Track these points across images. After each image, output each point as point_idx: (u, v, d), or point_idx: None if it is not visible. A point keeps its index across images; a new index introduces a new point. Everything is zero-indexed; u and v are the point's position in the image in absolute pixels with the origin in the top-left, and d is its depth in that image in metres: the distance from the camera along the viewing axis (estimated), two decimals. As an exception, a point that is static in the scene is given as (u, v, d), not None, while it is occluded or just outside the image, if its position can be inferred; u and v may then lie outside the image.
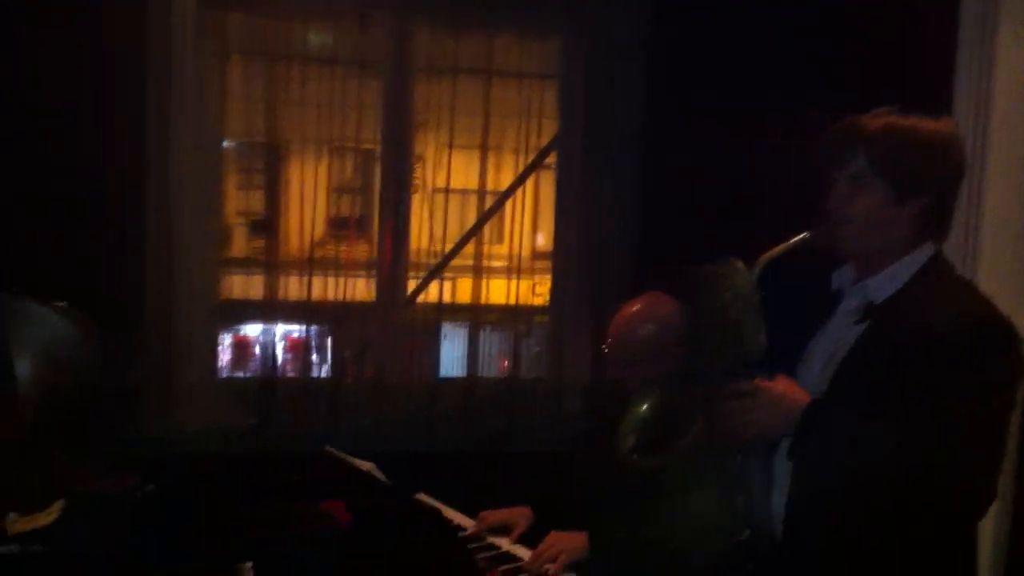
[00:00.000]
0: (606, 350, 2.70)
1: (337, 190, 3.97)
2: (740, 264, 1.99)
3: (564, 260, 4.09)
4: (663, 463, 2.09)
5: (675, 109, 3.82)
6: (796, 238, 2.02)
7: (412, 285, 4.01)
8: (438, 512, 2.63)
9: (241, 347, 4.00)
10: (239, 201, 3.99)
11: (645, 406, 2.05)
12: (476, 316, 4.02)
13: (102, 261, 3.33)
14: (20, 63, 3.28)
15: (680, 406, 2.06)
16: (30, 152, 3.22)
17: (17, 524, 2.40)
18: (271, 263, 3.80)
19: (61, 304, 2.80)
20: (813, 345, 2.10)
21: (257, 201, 3.97)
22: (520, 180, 4.05)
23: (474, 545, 2.68)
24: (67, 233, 3.28)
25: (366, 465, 2.66)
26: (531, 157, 4.04)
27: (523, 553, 2.62)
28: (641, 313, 2.69)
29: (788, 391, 1.96)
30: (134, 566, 2.35)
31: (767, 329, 2.00)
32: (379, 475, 2.65)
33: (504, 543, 2.70)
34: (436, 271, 3.99)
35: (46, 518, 2.42)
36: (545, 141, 4.07)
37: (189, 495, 2.71)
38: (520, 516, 2.79)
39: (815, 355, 2.08)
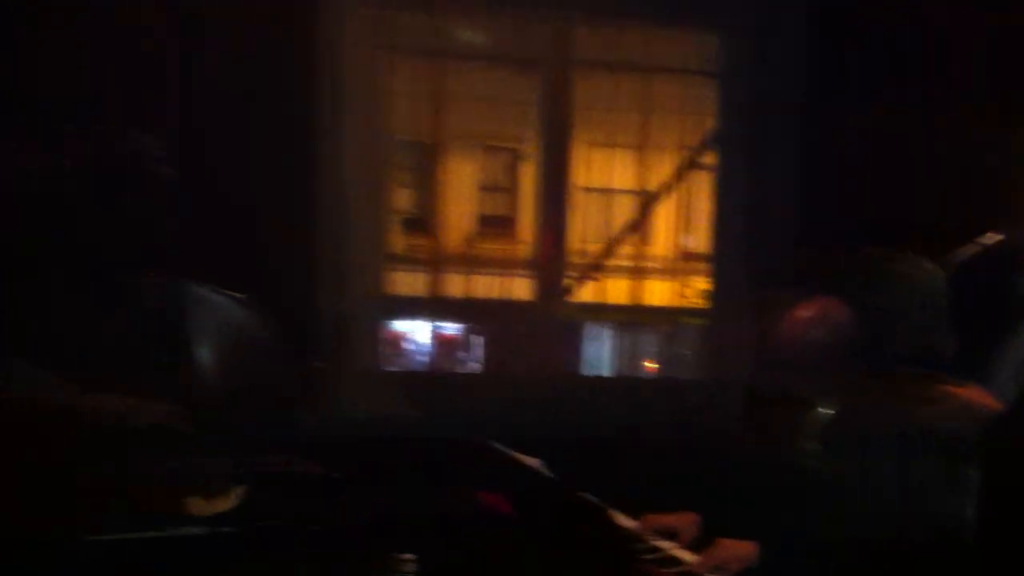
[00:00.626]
0: (775, 352, 2.66)
1: (486, 188, 4.01)
2: (929, 264, 1.93)
3: (723, 260, 4.04)
4: (847, 466, 2.05)
5: (837, 105, 3.73)
6: (990, 239, 1.95)
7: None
8: (603, 511, 2.62)
9: (397, 341, 4.09)
10: (398, 198, 4.07)
11: (829, 408, 2.00)
12: (625, 316, 4.01)
13: (275, 254, 3.44)
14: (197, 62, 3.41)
15: (864, 408, 2.02)
16: (207, 149, 3.34)
17: (199, 507, 2.50)
18: (423, 259, 3.87)
19: (239, 295, 2.91)
20: (1005, 351, 2.03)
21: (411, 198, 4.05)
22: (675, 179, 4.01)
23: (638, 546, 2.66)
24: (243, 227, 3.39)
25: (532, 461, 2.68)
26: (685, 156, 4.01)
27: (682, 554, 2.59)
28: (810, 316, 2.64)
29: (977, 397, 1.90)
30: (313, 549, 2.43)
31: (955, 332, 1.94)
32: (544, 471, 2.67)
33: (669, 547, 2.67)
34: (588, 271, 4.00)
35: (227, 502, 2.52)
36: (700, 139, 4.03)
37: (363, 481, 2.78)
38: (687, 521, 2.75)
39: (1007, 361, 2.01)
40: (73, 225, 2.73)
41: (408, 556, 2.44)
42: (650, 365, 4.08)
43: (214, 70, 3.41)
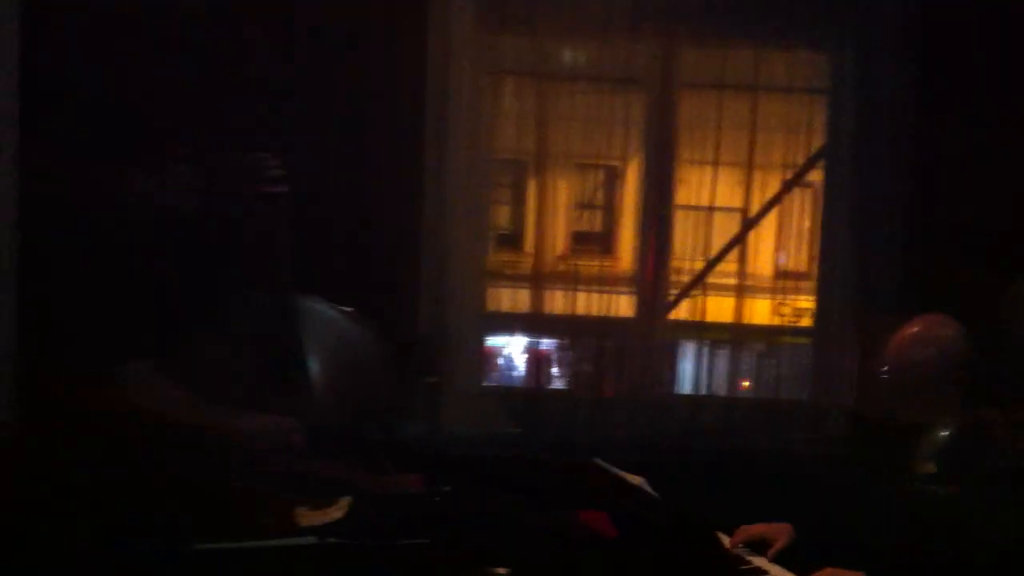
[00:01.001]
0: (884, 374, 2.63)
1: (588, 205, 4.02)
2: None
3: (828, 279, 3.98)
4: (962, 491, 2.01)
5: (949, 123, 3.67)
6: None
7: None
8: (708, 530, 2.61)
9: (494, 357, 4.12)
10: (498, 216, 4.11)
11: (944, 431, 1.97)
12: (726, 335, 3.99)
13: (381, 270, 3.50)
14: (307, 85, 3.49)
15: (979, 433, 1.97)
16: (318, 166, 3.42)
17: (307, 517, 2.55)
18: (521, 276, 3.90)
19: (348, 309, 2.97)
20: None
21: (509, 216, 4.09)
22: (776, 199, 3.98)
23: (741, 567, 2.64)
24: (348, 242, 3.46)
25: (636, 479, 2.67)
26: (789, 174, 3.97)
27: (781, 574, 2.56)
28: (922, 335, 2.60)
29: None
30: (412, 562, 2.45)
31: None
32: (648, 489, 2.66)
33: (759, 561, 2.65)
34: (688, 289, 3.98)
35: (336, 512, 2.56)
36: (805, 158, 3.99)
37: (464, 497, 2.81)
38: (780, 532, 2.72)
39: None
40: (193, 243, 2.82)
41: (503, 571, 2.46)
42: (749, 384, 4.04)
43: (325, 90, 3.50)
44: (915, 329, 2.63)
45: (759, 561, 2.65)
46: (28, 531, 2.36)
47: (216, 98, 3.06)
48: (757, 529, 2.74)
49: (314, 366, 2.79)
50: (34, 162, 3.03)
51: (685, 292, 3.99)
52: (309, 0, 3.52)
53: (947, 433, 2.00)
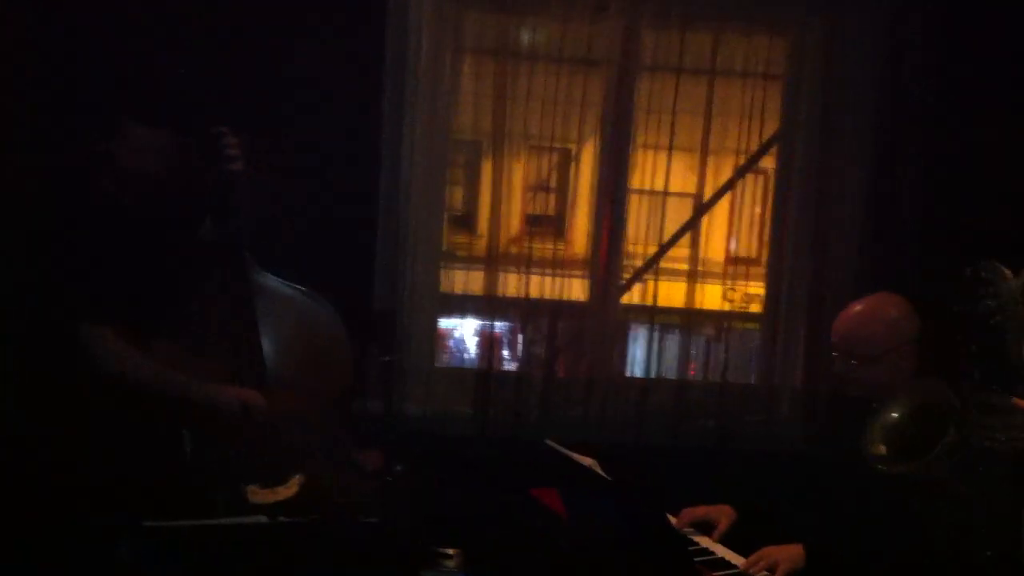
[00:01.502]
0: (834, 352, 2.65)
1: (542, 188, 4.02)
2: (1007, 271, 1.92)
3: (778, 265, 4.03)
4: (912, 472, 2.04)
5: (905, 108, 3.73)
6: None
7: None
8: (658, 510, 2.63)
9: (445, 338, 4.12)
10: (454, 197, 4.10)
11: (895, 412, 2.00)
12: (677, 319, 4.01)
13: (336, 248, 3.48)
14: (265, 62, 3.46)
15: (932, 414, 2.00)
16: (274, 143, 3.38)
17: (258, 495, 2.54)
18: (475, 257, 3.91)
19: (303, 288, 2.96)
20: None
21: (464, 197, 4.07)
22: (729, 184, 4.01)
23: (688, 547, 2.67)
24: (304, 221, 3.43)
25: (587, 460, 2.69)
26: (742, 160, 4.00)
27: (727, 554, 2.60)
28: (868, 311, 2.62)
29: None
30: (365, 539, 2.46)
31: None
32: (599, 471, 2.68)
33: (705, 541, 2.69)
34: (641, 273, 4.00)
35: (287, 491, 2.55)
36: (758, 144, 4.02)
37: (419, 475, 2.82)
38: (721, 513, 2.76)
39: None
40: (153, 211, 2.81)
41: (453, 550, 2.47)
42: (699, 367, 4.07)
43: (282, 66, 3.47)
44: (861, 306, 2.65)
45: (705, 542, 2.70)
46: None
47: (186, 77, 3.02)
48: (701, 511, 2.79)
49: (271, 343, 2.78)
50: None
51: (637, 276, 4.01)
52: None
53: (897, 413, 2.03)
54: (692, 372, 4.04)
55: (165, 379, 2.69)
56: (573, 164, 4.14)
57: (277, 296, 2.90)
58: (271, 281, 2.92)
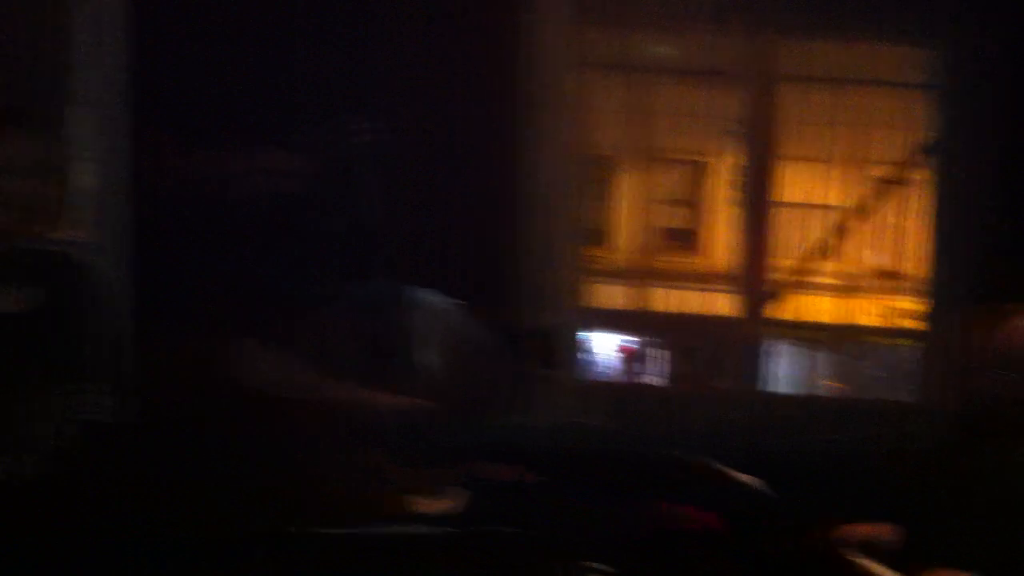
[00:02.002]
0: (992, 370, 2.56)
1: (681, 202, 3.99)
2: None
3: (930, 278, 3.91)
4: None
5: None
6: None
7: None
8: (819, 528, 2.57)
9: (586, 352, 4.11)
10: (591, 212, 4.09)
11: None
12: (824, 334, 3.93)
13: (479, 262, 3.49)
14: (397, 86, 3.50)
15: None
16: (419, 163, 3.42)
17: (421, 505, 2.55)
18: (615, 272, 3.88)
19: (449, 301, 2.98)
20: None
21: (597, 212, 4.06)
22: (875, 195, 3.92)
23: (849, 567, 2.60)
24: (447, 235, 3.45)
25: (749, 479, 2.65)
26: (884, 171, 3.91)
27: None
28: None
29: None
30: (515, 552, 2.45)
31: None
32: (761, 488, 2.63)
33: (868, 562, 2.61)
34: (785, 287, 3.94)
35: (446, 502, 2.56)
36: (902, 155, 3.92)
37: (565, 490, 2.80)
38: (883, 532, 2.69)
39: None
40: (305, 226, 2.85)
41: (605, 568, 2.45)
42: (849, 384, 3.98)
43: (416, 84, 3.50)
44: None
45: (866, 561, 2.62)
46: (137, 512, 2.39)
47: (314, 91, 3.06)
48: (862, 530, 2.71)
49: (426, 354, 2.80)
50: (147, 145, 3.06)
51: (781, 289, 3.94)
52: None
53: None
54: (839, 388, 3.95)
55: (320, 388, 2.72)
56: (707, 176, 4.11)
57: (426, 308, 2.93)
58: (420, 294, 2.95)
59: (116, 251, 2.80)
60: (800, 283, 3.94)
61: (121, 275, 2.45)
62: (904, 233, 3.98)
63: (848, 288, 3.92)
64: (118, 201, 2.87)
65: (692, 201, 4.12)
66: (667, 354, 3.96)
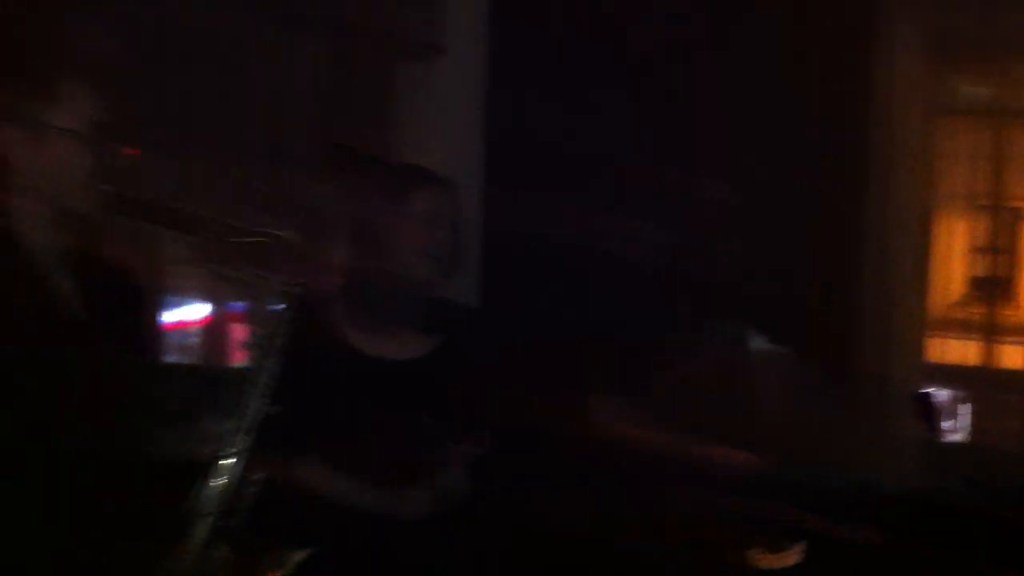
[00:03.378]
0: None
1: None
2: None
3: None
4: None
5: None
6: None
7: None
8: None
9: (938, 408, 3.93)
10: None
11: None
12: None
13: (818, 314, 3.44)
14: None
15: None
16: (763, 211, 3.42)
17: (763, 559, 2.55)
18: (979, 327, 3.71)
19: (790, 351, 2.97)
20: None
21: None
22: None
23: None
24: (794, 287, 3.42)
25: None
26: None
27: None
28: None
29: None
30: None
31: None
32: None
33: None
34: None
35: (792, 557, 2.54)
36: None
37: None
38: None
39: None
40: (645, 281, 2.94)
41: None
42: None
43: (769, 132, 3.50)
44: None
45: None
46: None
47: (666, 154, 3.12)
48: None
49: (771, 405, 2.80)
50: (497, 198, 3.23)
51: None
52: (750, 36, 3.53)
53: None
54: None
55: (671, 443, 2.76)
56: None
57: (767, 359, 2.93)
58: (761, 344, 2.95)
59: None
60: None
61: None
62: None
63: None
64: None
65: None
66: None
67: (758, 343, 2.93)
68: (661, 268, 2.94)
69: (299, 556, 1.77)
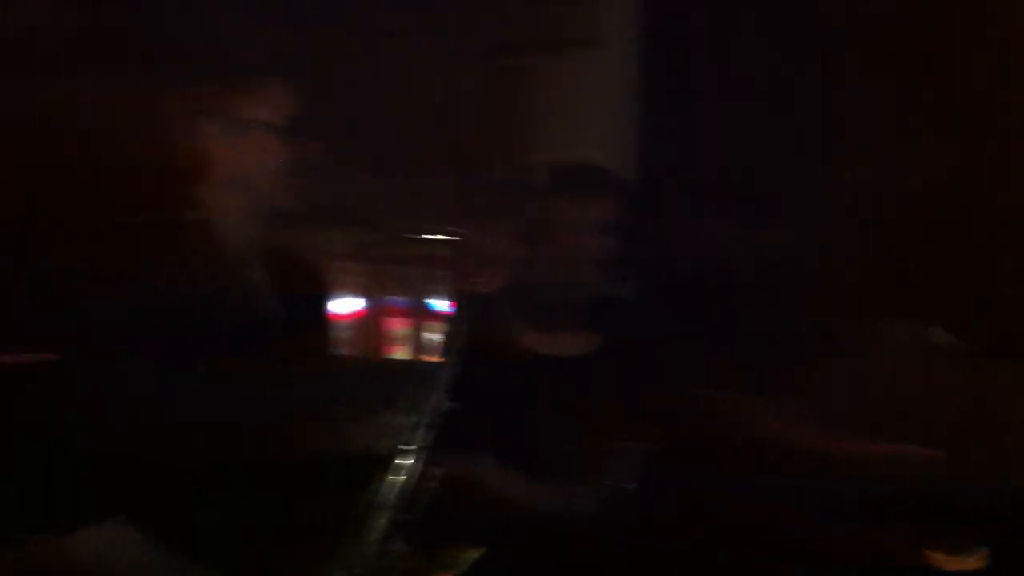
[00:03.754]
0: None
1: None
2: None
3: None
4: None
5: None
6: None
7: None
8: None
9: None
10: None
11: None
12: None
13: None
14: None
15: None
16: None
17: (941, 561, 2.46)
18: None
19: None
20: None
21: None
22: None
23: None
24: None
25: None
26: None
27: None
28: None
29: None
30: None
31: None
32: None
33: None
34: None
35: (975, 562, 2.45)
36: None
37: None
38: None
39: None
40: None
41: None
42: None
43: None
44: None
45: None
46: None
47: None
48: None
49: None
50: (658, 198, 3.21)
51: None
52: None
53: None
54: None
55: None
56: None
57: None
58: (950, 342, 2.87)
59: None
60: None
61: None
62: None
63: None
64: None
65: None
66: None
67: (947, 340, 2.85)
68: (832, 263, 2.88)
69: (474, 554, 1.80)
